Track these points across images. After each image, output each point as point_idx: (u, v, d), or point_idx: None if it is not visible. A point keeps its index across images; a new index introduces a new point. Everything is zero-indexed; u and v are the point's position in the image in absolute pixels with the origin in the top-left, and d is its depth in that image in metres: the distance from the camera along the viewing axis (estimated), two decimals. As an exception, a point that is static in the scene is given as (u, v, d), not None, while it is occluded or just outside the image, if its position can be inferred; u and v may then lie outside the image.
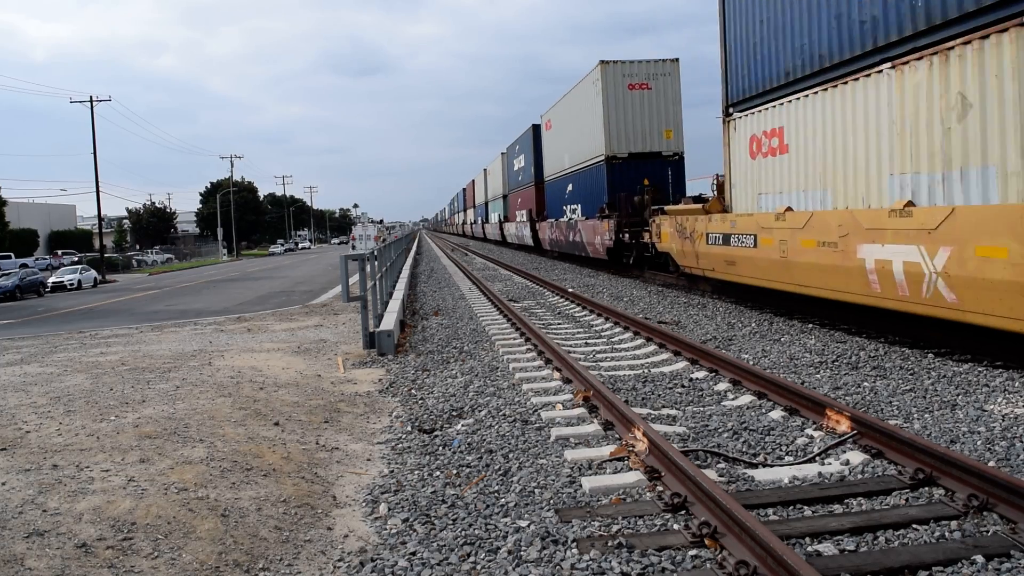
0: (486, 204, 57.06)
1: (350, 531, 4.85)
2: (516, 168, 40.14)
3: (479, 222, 63.94)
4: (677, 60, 22.10)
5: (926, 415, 6.73)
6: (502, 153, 46.07)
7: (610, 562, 4.12)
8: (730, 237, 13.44)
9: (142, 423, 6.90)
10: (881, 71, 9.52)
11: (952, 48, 8.34)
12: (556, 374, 8.86)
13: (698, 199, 16.74)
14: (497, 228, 49.01)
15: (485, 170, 56.98)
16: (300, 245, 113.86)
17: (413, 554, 4.41)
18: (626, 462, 5.72)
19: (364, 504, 5.30)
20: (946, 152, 8.53)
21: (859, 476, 5.30)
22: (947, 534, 4.33)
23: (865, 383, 7.96)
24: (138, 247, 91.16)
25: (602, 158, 22.18)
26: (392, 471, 5.98)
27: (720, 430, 6.48)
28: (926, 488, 4.98)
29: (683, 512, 4.77)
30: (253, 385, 8.78)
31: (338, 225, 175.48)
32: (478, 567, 4.22)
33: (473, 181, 68.65)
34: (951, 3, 8.40)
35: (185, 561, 4.26)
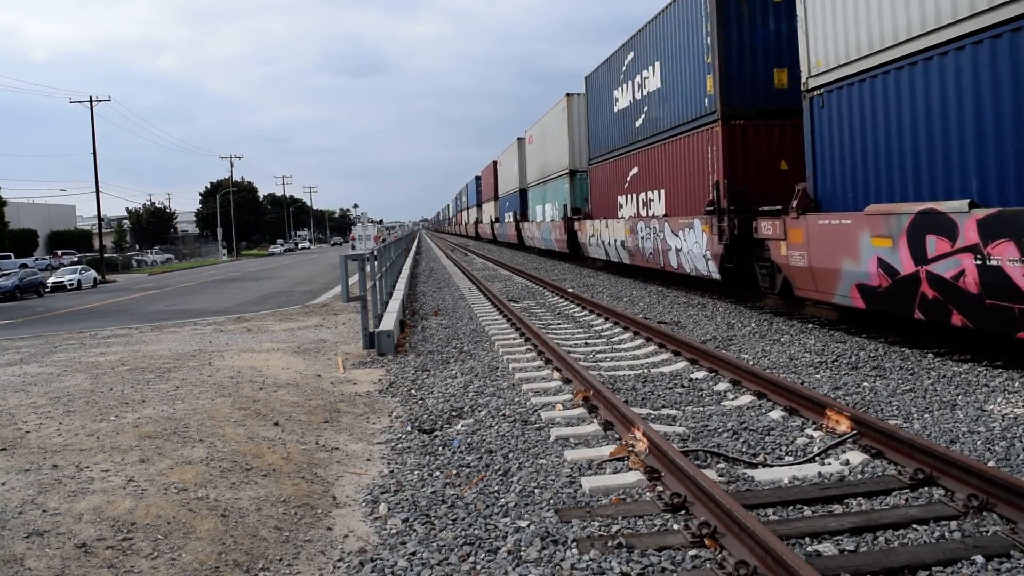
0: (523, 193, 38.78)
1: (350, 531, 4.85)
2: (630, 104, 18.98)
3: (507, 220, 44.03)
4: None
5: (926, 415, 6.73)
6: (569, 95, 27.11)
7: (610, 562, 4.12)
8: None
9: (142, 423, 6.90)
10: None
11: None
12: (556, 374, 8.86)
13: None
14: (555, 232, 28.76)
15: (521, 139, 38.80)
16: (300, 245, 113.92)
17: (413, 554, 4.41)
18: (626, 462, 5.72)
19: (364, 504, 5.30)
20: None
21: (859, 476, 5.30)
22: (947, 534, 4.33)
23: (865, 383, 7.96)
24: (138, 247, 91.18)
25: None
26: (392, 471, 5.98)
27: (720, 430, 6.48)
28: (926, 488, 4.98)
29: (683, 512, 4.77)
30: (253, 385, 8.78)
31: (338, 225, 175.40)
32: (478, 567, 4.22)
33: (494, 164, 50.49)
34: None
35: (185, 561, 4.26)
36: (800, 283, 11.22)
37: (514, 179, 41.08)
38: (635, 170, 18.99)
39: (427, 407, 7.89)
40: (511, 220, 42.42)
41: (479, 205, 63.35)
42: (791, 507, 4.86)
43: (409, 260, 34.09)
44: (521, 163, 38.73)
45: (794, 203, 11.12)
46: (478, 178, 63.64)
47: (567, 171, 27.43)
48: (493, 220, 52.15)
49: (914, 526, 4.45)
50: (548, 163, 30.88)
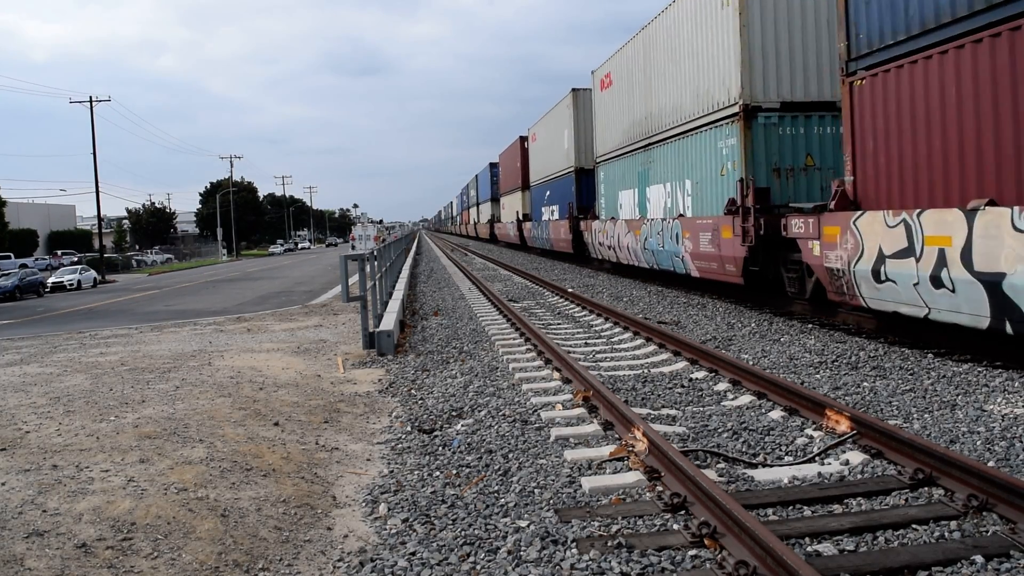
0: (582, 175, 25.97)
1: (350, 531, 4.85)
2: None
3: (547, 218, 30.80)
4: None
5: (926, 415, 6.73)
6: None
7: (610, 562, 4.12)
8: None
9: (142, 423, 6.90)
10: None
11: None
12: (556, 374, 8.86)
13: None
14: (701, 239, 14.47)
15: (577, 92, 26.04)
16: (300, 245, 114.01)
17: (413, 554, 4.41)
18: (626, 462, 5.72)
19: (364, 504, 5.31)
20: None
21: (859, 476, 5.30)
22: (947, 534, 4.33)
23: (865, 383, 7.96)
24: (138, 247, 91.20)
25: None
26: (392, 471, 5.98)
27: (720, 430, 6.48)
28: (926, 488, 4.98)
29: (683, 512, 4.77)
30: (253, 385, 8.78)
31: (338, 225, 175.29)
32: (478, 567, 4.22)
33: (521, 141, 37.79)
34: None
35: (185, 561, 4.26)
36: None
37: (562, 156, 27.89)
38: None
39: (427, 407, 7.89)
40: (555, 218, 28.94)
41: (495, 199, 50.52)
42: (791, 507, 4.86)
43: (409, 260, 34.09)
44: (580, 129, 25.82)
45: None
46: (493, 165, 51.08)
47: (734, 109, 13.23)
48: (520, 218, 38.68)
49: (914, 526, 4.45)
50: (663, 109, 16.78)
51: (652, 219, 17.74)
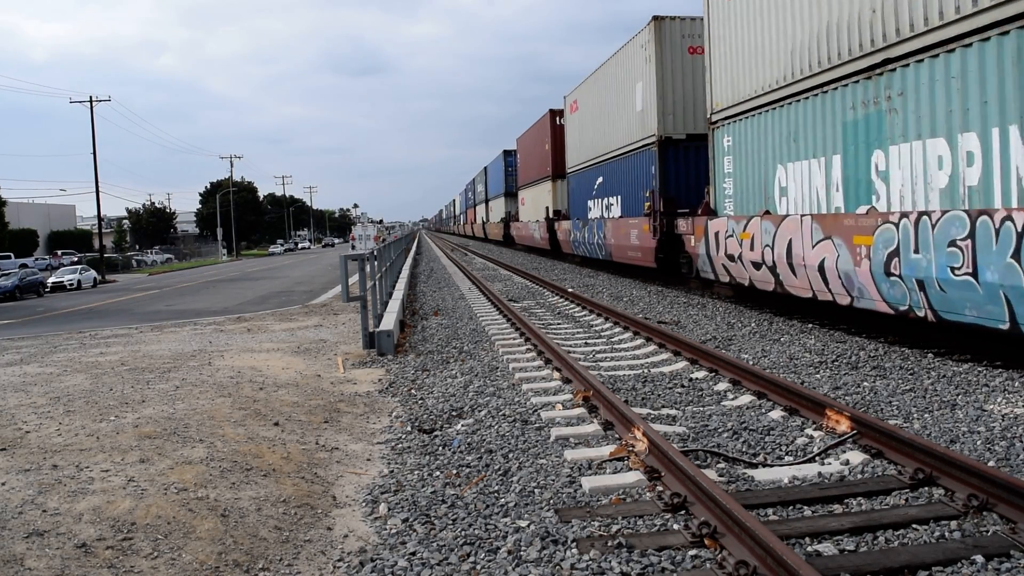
0: (670, 148, 17.25)
1: (350, 531, 4.85)
2: None
3: (595, 214, 23.11)
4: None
5: (926, 415, 6.73)
6: None
7: (610, 562, 4.12)
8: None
9: (142, 423, 6.90)
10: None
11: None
12: (556, 374, 8.86)
13: None
14: None
15: (662, 23, 17.01)
16: (300, 245, 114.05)
17: (413, 554, 4.41)
18: (626, 462, 5.72)
19: (364, 504, 5.30)
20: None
21: (859, 476, 5.30)
22: (947, 534, 4.33)
23: (865, 383, 7.96)
24: (138, 247, 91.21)
25: None
26: (392, 471, 5.98)
27: (720, 430, 6.48)
28: (926, 488, 4.98)
29: (683, 512, 4.77)
30: (253, 385, 8.78)
31: (338, 225, 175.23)
32: (478, 567, 4.22)
33: (552, 116, 30.19)
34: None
35: (185, 561, 4.26)
36: None
37: (632, 124, 19.14)
38: None
39: (427, 407, 7.89)
40: (615, 214, 20.97)
41: (510, 194, 43.05)
42: (791, 507, 4.86)
43: (409, 260, 34.09)
44: (668, 79, 17.34)
45: None
46: (508, 153, 43.60)
47: None
48: (550, 215, 30.62)
49: (914, 526, 4.45)
50: None
51: (929, 213, 8.43)
